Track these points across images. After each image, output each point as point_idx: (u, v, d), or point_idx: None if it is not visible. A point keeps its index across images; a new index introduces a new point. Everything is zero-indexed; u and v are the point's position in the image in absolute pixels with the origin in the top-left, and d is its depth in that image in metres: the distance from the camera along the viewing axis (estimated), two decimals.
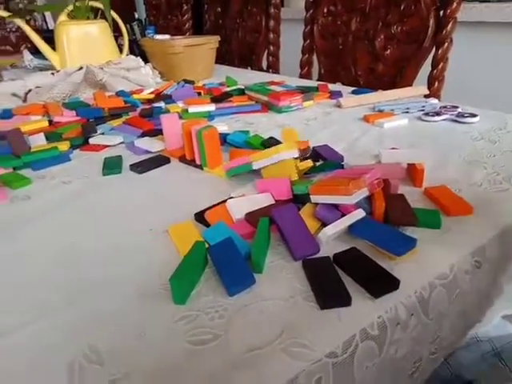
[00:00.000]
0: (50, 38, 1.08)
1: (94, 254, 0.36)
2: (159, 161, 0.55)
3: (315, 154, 0.53)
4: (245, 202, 0.40)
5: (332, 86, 0.95)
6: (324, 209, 0.37)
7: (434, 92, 0.97)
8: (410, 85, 1.00)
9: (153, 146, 0.59)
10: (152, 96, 0.90)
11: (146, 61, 1.12)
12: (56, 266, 0.35)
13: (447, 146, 0.57)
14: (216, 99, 0.83)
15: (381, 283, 0.30)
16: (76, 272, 0.34)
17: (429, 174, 0.46)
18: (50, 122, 0.73)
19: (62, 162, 0.57)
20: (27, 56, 1.19)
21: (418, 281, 0.31)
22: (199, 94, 0.91)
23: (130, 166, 0.54)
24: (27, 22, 1.06)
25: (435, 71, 0.96)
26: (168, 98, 0.86)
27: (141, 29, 1.43)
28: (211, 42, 1.12)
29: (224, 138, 0.60)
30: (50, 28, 2.18)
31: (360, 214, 0.36)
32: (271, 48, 1.44)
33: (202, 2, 1.72)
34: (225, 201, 0.41)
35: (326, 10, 1.22)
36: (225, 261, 0.32)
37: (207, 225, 0.39)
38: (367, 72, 1.13)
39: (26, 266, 0.35)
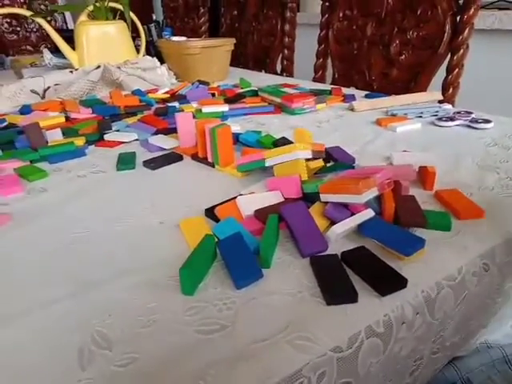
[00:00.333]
0: (69, 37, 1.10)
1: (105, 245, 0.37)
2: (172, 158, 0.56)
3: (327, 155, 0.53)
4: (254, 199, 0.41)
5: (345, 90, 0.95)
6: (333, 207, 0.37)
7: (448, 98, 0.96)
8: (424, 90, 1.00)
9: (166, 143, 0.60)
10: (167, 96, 0.91)
11: (161, 62, 1.14)
12: (69, 256, 0.35)
13: (460, 151, 0.56)
14: (229, 100, 0.84)
15: (388, 282, 0.30)
16: (88, 262, 0.34)
17: (440, 177, 0.46)
18: (67, 118, 0.74)
19: (78, 157, 0.58)
20: (47, 55, 1.21)
21: (425, 281, 0.31)
22: (213, 94, 0.92)
23: (144, 162, 0.55)
24: (48, 23, 1.09)
25: (450, 77, 0.96)
26: (182, 98, 0.87)
27: (158, 30, 1.45)
28: (227, 45, 1.13)
29: (236, 138, 0.61)
30: (70, 28, 2.22)
31: (369, 213, 0.36)
32: (286, 52, 1.45)
33: (219, 5, 1.74)
34: (235, 197, 0.42)
35: (341, 15, 1.22)
36: (233, 255, 0.32)
37: (217, 220, 0.39)
38: (381, 77, 1.13)
39: (40, 254, 0.36)
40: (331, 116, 0.77)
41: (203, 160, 0.55)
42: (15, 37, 2.28)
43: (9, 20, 2.25)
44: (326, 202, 0.38)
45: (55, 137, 0.63)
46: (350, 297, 0.28)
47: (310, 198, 0.40)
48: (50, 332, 0.27)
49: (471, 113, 0.71)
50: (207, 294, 0.30)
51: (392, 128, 0.67)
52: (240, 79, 1.03)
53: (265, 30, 1.52)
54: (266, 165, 0.45)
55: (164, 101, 0.87)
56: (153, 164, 0.54)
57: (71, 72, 0.96)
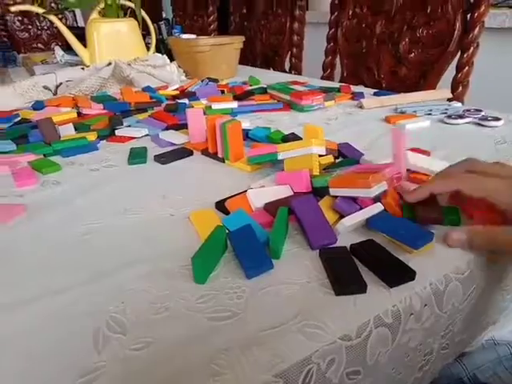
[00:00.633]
0: (80, 35, 1.11)
1: (118, 236, 0.38)
2: (182, 153, 0.57)
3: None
4: (264, 192, 0.41)
5: (354, 88, 0.95)
6: (343, 201, 0.38)
7: (457, 96, 0.96)
8: (434, 88, 1.00)
9: (177, 138, 0.61)
10: (177, 92, 0.92)
11: (171, 59, 1.15)
12: (82, 246, 0.36)
13: (469, 148, 0.56)
14: (238, 97, 0.84)
15: (397, 273, 0.30)
16: (101, 252, 0.35)
17: None
18: (79, 113, 0.76)
19: (90, 151, 0.59)
20: (58, 52, 1.23)
21: (433, 274, 0.31)
22: (222, 92, 0.93)
23: (155, 156, 0.55)
24: (59, 20, 1.10)
25: (459, 75, 0.95)
26: (192, 95, 0.88)
27: (167, 28, 1.47)
28: (236, 42, 1.14)
29: (246, 134, 0.61)
30: (80, 26, 2.24)
31: (378, 207, 0.36)
32: (294, 50, 1.45)
33: (228, 3, 1.75)
34: (245, 191, 0.42)
35: (350, 13, 1.22)
36: (244, 246, 0.33)
37: (227, 213, 0.40)
38: (390, 75, 1.13)
39: (54, 244, 0.37)
40: (340, 113, 0.77)
41: (213, 155, 0.55)
42: (27, 35, 2.31)
43: (20, 18, 2.28)
44: (336, 196, 0.39)
45: (68, 132, 0.64)
46: (359, 287, 0.29)
47: (318, 193, 0.41)
48: (65, 317, 0.28)
49: (481, 110, 0.71)
50: (218, 282, 0.31)
51: (401, 125, 0.67)
52: (249, 77, 1.04)
53: (274, 29, 1.53)
54: (279, 158, 0.46)
55: (174, 97, 0.88)
56: (164, 158, 0.55)
57: (83, 69, 0.97)
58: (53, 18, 1.08)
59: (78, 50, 1.09)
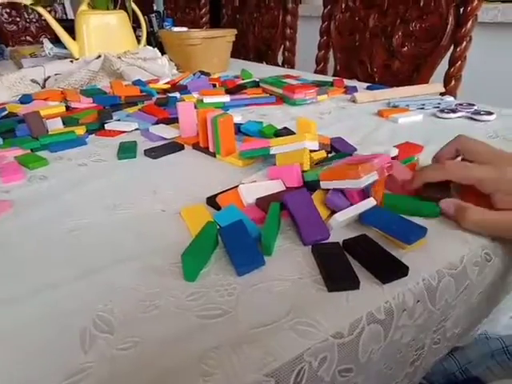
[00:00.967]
0: (69, 27, 1.09)
1: (106, 232, 0.37)
2: (173, 147, 0.56)
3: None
4: (256, 187, 0.41)
5: (347, 82, 0.95)
6: (334, 197, 0.37)
7: (450, 90, 0.96)
8: (426, 82, 1.00)
9: (167, 132, 0.60)
10: (168, 86, 0.91)
11: (162, 52, 1.13)
12: (69, 243, 0.35)
13: None
14: (230, 91, 0.83)
15: (389, 269, 0.30)
16: (89, 249, 0.34)
17: None
18: (68, 107, 0.74)
19: (79, 146, 0.58)
20: (47, 44, 1.21)
21: (426, 269, 0.31)
22: (214, 85, 0.91)
23: (145, 151, 0.55)
24: (48, 13, 1.08)
25: (452, 69, 0.95)
26: (183, 89, 0.87)
27: (159, 21, 1.44)
28: (228, 35, 1.12)
29: (238, 128, 0.61)
30: (70, 18, 2.21)
31: (371, 202, 0.36)
32: (287, 43, 1.44)
33: None
34: (236, 186, 0.41)
35: (343, 6, 1.21)
36: (235, 242, 0.32)
37: (218, 208, 0.39)
38: (383, 69, 1.13)
39: (41, 241, 0.36)
40: (333, 107, 0.77)
41: (204, 149, 0.55)
42: (15, 27, 2.27)
43: (8, 10, 2.24)
44: (327, 190, 0.38)
45: (56, 126, 0.63)
46: (352, 283, 0.29)
47: (310, 187, 0.40)
48: (51, 317, 0.27)
49: (473, 105, 0.70)
50: (209, 280, 0.30)
51: (394, 119, 0.67)
52: (242, 70, 1.03)
53: (266, 22, 1.51)
54: (271, 153, 0.45)
55: (165, 91, 0.87)
56: (154, 153, 0.54)
57: (71, 62, 0.96)
58: (41, 10, 1.06)
59: (66, 43, 1.07)
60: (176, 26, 1.58)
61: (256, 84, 0.89)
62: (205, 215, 0.38)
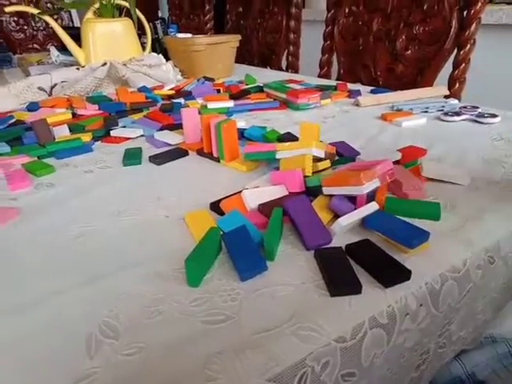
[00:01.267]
0: (75, 35, 1.11)
1: (112, 238, 0.37)
2: (177, 153, 0.56)
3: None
4: (259, 193, 0.41)
5: (351, 86, 0.95)
6: (339, 201, 0.37)
7: (454, 93, 0.95)
8: (430, 85, 0.99)
9: (172, 139, 0.61)
10: (172, 92, 0.92)
11: (167, 58, 1.14)
12: (75, 250, 0.36)
13: (466, 145, 0.56)
14: (234, 96, 0.84)
15: (392, 273, 0.30)
16: (95, 255, 0.35)
17: None
18: (74, 114, 0.75)
19: (85, 153, 0.59)
20: (54, 52, 1.22)
21: (429, 273, 0.31)
22: (218, 91, 0.92)
23: (150, 157, 0.55)
24: (55, 21, 1.09)
25: (456, 72, 0.95)
26: (188, 95, 0.88)
27: (163, 27, 1.46)
28: (232, 41, 1.13)
29: (241, 134, 0.61)
30: (77, 26, 2.23)
31: (374, 206, 0.36)
32: (291, 48, 1.44)
33: (224, 2, 1.74)
34: (240, 192, 0.42)
35: (347, 11, 1.21)
36: (238, 247, 0.32)
37: (222, 214, 0.40)
38: (387, 72, 1.13)
39: (47, 248, 0.36)
40: (336, 111, 0.77)
41: (208, 155, 0.55)
42: (22, 35, 2.30)
43: (16, 19, 2.27)
44: (330, 196, 0.38)
45: (62, 133, 0.64)
46: (354, 288, 0.29)
47: (312, 192, 0.40)
48: (57, 322, 0.27)
49: (477, 107, 0.70)
50: (212, 285, 0.30)
51: (397, 123, 0.67)
52: (245, 75, 1.03)
53: (270, 27, 1.52)
54: (277, 157, 0.45)
55: (170, 97, 0.87)
56: (158, 159, 0.54)
57: (78, 69, 0.97)
58: (47, 18, 1.07)
59: (73, 51, 1.08)
60: (181, 32, 1.59)
61: (260, 89, 0.90)
62: (208, 221, 0.38)
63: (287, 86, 0.85)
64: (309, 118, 0.74)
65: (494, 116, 0.66)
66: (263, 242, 0.33)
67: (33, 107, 0.80)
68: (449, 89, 0.94)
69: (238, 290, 0.30)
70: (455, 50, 0.96)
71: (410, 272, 0.30)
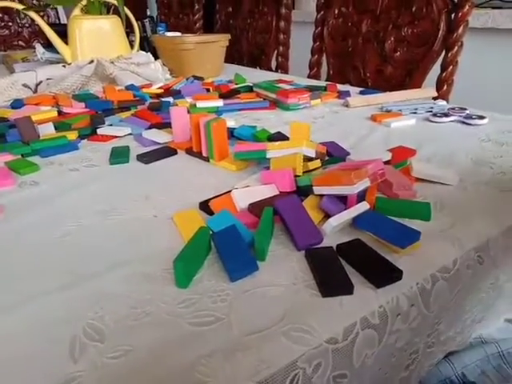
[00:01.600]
0: (62, 32, 1.09)
1: (98, 237, 0.36)
2: (166, 152, 0.56)
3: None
4: (249, 192, 0.40)
5: (340, 87, 0.95)
6: (329, 200, 0.37)
7: (442, 95, 0.96)
8: (419, 87, 1.00)
9: (160, 137, 0.60)
10: (161, 91, 0.91)
11: (156, 57, 1.13)
12: (60, 249, 0.35)
13: (454, 147, 0.57)
14: (224, 95, 0.83)
15: (383, 274, 0.30)
16: (80, 255, 0.34)
17: None
18: (60, 112, 0.73)
19: (70, 151, 0.58)
20: (39, 49, 1.20)
21: (420, 273, 0.31)
22: (208, 90, 0.91)
23: (137, 156, 0.54)
24: (41, 18, 1.07)
25: (444, 74, 0.96)
26: (177, 93, 0.87)
27: (152, 26, 1.44)
28: (222, 40, 1.13)
29: (231, 133, 0.60)
30: (63, 23, 2.20)
31: (364, 206, 0.36)
32: (281, 48, 1.44)
33: (214, 1, 1.73)
34: (229, 191, 0.41)
35: (336, 12, 1.22)
36: (228, 247, 0.32)
37: (211, 214, 0.39)
38: (376, 74, 1.13)
39: (32, 247, 0.35)
40: (326, 112, 0.77)
41: (197, 154, 0.54)
42: (7, 32, 2.25)
43: (1, 15, 2.23)
44: (320, 195, 0.38)
45: (47, 131, 0.62)
46: (346, 289, 0.28)
47: (303, 192, 0.40)
48: (41, 324, 0.27)
49: (465, 109, 0.71)
50: (201, 286, 0.30)
51: (386, 123, 0.67)
52: (235, 75, 1.03)
53: (260, 27, 1.52)
54: (267, 156, 0.45)
55: (158, 96, 0.86)
56: (146, 158, 0.53)
57: (64, 66, 0.95)
58: (33, 14, 1.05)
59: (59, 48, 1.06)
60: (169, 31, 1.58)
61: (249, 89, 0.89)
62: (197, 220, 0.37)
63: (277, 85, 0.84)
64: (299, 118, 0.73)
65: (482, 118, 0.66)
66: (253, 242, 0.32)
67: (17, 104, 0.78)
68: (437, 90, 0.94)
69: (227, 290, 0.29)
70: (443, 52, 0.97)
71: (401, 272, 0.30)
